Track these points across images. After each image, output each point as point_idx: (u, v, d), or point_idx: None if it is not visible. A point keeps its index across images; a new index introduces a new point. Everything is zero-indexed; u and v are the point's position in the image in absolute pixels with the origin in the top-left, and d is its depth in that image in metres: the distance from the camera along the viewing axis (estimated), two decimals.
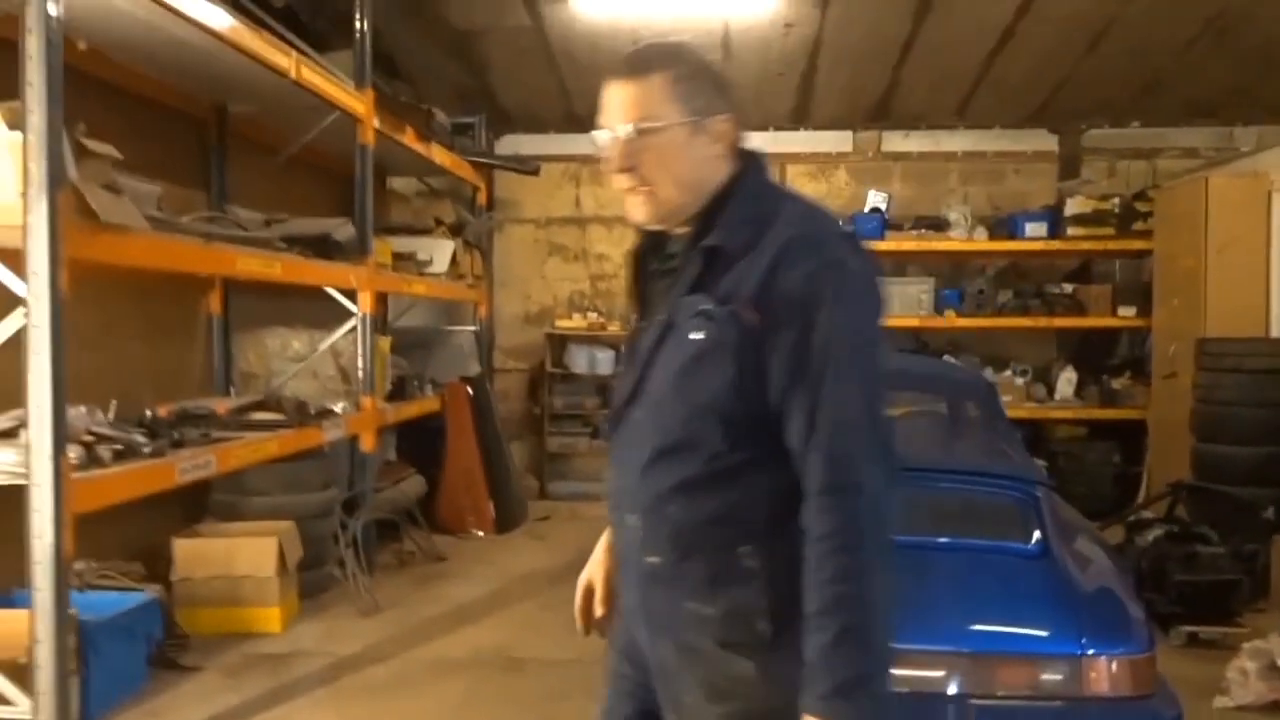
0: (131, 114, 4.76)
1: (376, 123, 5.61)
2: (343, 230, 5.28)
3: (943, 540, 2.97)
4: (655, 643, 1.62)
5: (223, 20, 4.00)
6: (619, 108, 1.54)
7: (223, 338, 5.68)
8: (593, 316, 8.08)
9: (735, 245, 1.50)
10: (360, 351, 5.57)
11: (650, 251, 1.66)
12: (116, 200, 3.29)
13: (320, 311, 5.69)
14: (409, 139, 6.17)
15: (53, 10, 2.93)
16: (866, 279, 1.52)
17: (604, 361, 7.90)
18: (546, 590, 5.27)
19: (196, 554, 4.55)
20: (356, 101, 5.37)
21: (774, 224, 1.51)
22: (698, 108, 1.53)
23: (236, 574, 4.51)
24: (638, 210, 1.58)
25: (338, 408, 5.33)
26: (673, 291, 1.56)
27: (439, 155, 6.68)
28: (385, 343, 6.09)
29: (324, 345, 5.67)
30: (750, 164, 1.59)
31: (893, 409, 4.75)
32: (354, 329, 5.57)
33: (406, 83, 7.05)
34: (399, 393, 6.37)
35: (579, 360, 7.98)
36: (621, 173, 1.55)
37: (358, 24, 5.47)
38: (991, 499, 3.19)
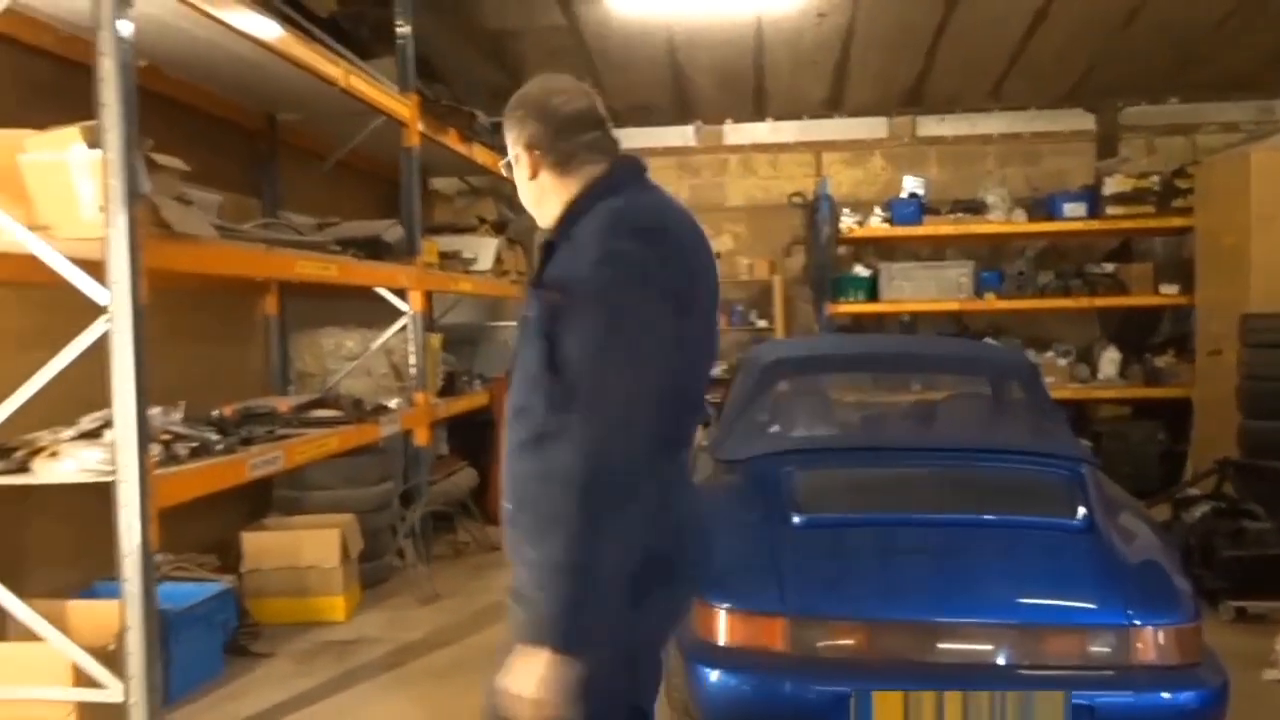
0: (187, 126, 4.92)
1: (421, 126, 5.76)
2: (392, 232, 5.44)
3: (991, 518, 3.04)
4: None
5: (275, 33, 4.16)
6: None
7: (279, 339, 5.88)
8: None
9: (560, 239, 1.81)
10: (412, 349, 5.73)
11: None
12: (187, 211, 3.45)
13: (371, 311, 5.85)
14: (452, 140, 6.31)
15: (125, 33, 3.08)
16: (649, 269, 1.69)
17: None
18: None
19: (264, 546, 4.74)
20: (402, 106, 5.52)
21: (585, 220, 1.77)
22: (514, 141, 1.90)
23: (302, 565, 4.69)
24: None
25: (392, 404, 5.50)
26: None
27: (480, 155, 6.80)
28: (436, 340, 6.24)
29: (376, 344, 5.82)
30: (612, 168, 1.87)
31: (937, 392, 4.83)
32: (404, 327, 5.73)
33: (443, 84, 7.19)
34: (449, 388, 6.52)
35: None
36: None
37: (399, 30, 5.62)
38: (1038, 477, 3.26)
